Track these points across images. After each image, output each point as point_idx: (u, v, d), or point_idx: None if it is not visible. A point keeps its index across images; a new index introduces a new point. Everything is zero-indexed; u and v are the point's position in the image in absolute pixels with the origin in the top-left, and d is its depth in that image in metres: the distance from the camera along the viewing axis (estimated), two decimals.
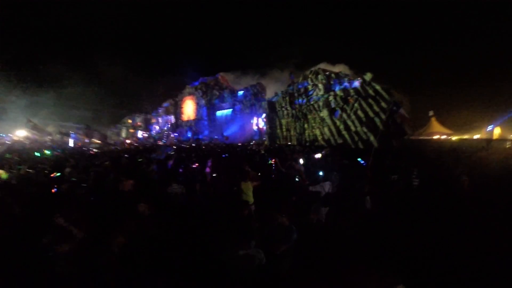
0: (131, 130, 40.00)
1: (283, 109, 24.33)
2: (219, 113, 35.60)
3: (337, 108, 17.12)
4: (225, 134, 32.38)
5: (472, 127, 27.17)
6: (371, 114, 15.08)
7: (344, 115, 16.57)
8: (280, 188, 5.72)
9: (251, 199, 5.02)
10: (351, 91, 17.16)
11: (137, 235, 2.75)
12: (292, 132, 22.99)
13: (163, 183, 5.60)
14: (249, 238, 2.59)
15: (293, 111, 22.79)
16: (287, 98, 23.77)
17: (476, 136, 25.36)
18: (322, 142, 19.03)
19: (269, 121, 25.61)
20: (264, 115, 27.59)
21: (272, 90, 34.26)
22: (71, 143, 24.17)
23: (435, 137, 23.11)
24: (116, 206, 4.02)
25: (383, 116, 14.59)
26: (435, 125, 24.18)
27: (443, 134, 23.62)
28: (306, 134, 21.09)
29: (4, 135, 31.02)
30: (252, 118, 31.29)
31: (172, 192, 5.04)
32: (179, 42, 75.55)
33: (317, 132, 19.74)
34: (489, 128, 26.41)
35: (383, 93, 14.64)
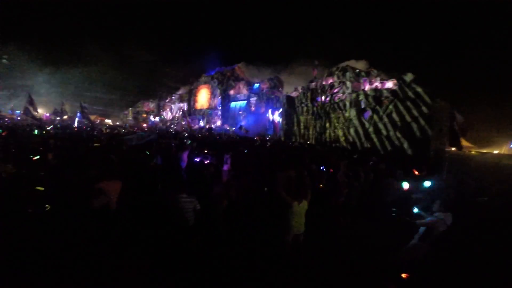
0: (144, 115, 38.89)
1: (303, 105, 22.57)
2: (233, 104, 34.05)
3: (367, 109, 15.33)
4: (239, 125, 30.93)
5: (491, 142, 25.91)
6: (408, 118, 13.27)
7: (375, 117, 14.78)
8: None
9: (302, 226, 3.47)
10: (384, 91, 15.34)
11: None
12: (311, 131, 21.29)
13: (168, 188, 4.20)
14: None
15: (314, 108, 21.03)
16: (309, 94, 21.98)
17: (495, 151, 24.12)
18: (345, 144, 17.35)
19: (286, 116, 23.90)
20: (281, 110, 25.89)
21: (290, 85, 32.52)
22: (76, 122, 23.28)
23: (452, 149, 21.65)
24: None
25: (422, 122, 12.81)
26: None
27: (465, 147, 22.06)
28: (327, 134, 19.38)
29: (18, 112, 30.45)
30: (267, 112, 29.63)
31: (180, 208, 3.47)
32: (199, 30, 73.69)
33: (340, 132, 18.01)
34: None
35: (425, 97, 12.79)
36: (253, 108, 31.30)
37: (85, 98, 35.64)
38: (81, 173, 4.40)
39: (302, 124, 22.44)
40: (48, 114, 34.07)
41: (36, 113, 19.67)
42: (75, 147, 8.30)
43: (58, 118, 27.12)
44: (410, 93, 13.36)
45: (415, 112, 13.05)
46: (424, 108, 12.77)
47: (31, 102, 17.83)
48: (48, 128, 16.54)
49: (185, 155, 7.36)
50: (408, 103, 13.32)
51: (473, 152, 18.46)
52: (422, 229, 3.36)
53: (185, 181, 4.35)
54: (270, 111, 28.94)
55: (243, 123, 30.42)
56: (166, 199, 3.62)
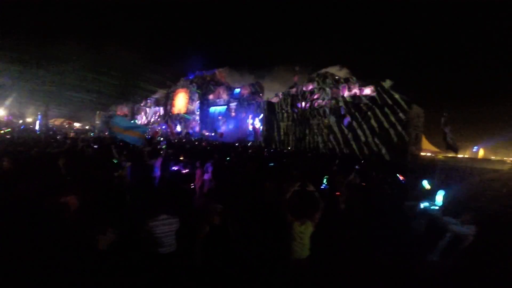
0: None
1: (283, 111, 22.29)
2: (212, 109, 33.12)
3: (347, 115, 15.26)
4: (216, 131, 30.01)
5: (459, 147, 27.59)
6: (386, 124, 13.30)
7: (355, 124, 14.72)
8: None
9: (305, 251, 2.71)
10: (363, 98, 15.41)
11: None
12: (291, 137, 20.99)
13: (141, 207, 3.39)
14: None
15: (294, 115, 20.82)
16: (289, 100, 21.76)
17: (460, 156, 25.81)
18: (324, 151, 17.15)
19: (267, 122, 23.47)
20: (261, 115, 25.44)
21: (270, 91, 32.32)
22: (37, 125, 21.28)
23: (423, 153, 22.57)
24: None
25: (399, 128, 12.87)
26: (425, 142, 23.72)
27: (431, 152, 23.14)
28: (307, 140, 19.14)
29: None
30: (247, 117, 29.07)
31: (156, 232, 2.63)
32: (180, 33, 72.19)
33: (319, 139, 17.84)
34: (475, 149, 27.73)
35: (403, 103, 12.91)
36: (233, 114, 30.58)
37: (52, 100, 32.90)
38: (23, 185, 3.48)
39: (282, 130, 22.11)
40: (9, 117, 30.95)
41: None
42: (25, 154, 6.92)
43: (21, 121, 24.65)
44: (388, 100, 13.44)
45: (392, 118, 13.12)
46: (401, 115, 12.86)
47: None
48: (1, 131, 14.68)
49: (158, 163, 6.35)
50: (386, 110, 13.38)
51: (440, 157, 19.18)
52: (445, 241, 2.92)
53: (162, 198, 3.45)
54: (250, 116, 28.42)
55: (222, 128, 29.57)
56: (140, 222, 2.74)
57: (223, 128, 29.64)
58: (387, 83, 13.75)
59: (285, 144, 21.40)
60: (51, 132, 18.74)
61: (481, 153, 26.04)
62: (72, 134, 18.17)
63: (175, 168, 6.79)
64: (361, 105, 14.63)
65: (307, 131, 19.35)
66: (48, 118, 27.00)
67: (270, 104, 23.74)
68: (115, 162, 7.20)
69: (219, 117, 31.58)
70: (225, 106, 31.70)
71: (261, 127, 24.85)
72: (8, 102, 34.43)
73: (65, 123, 37.05)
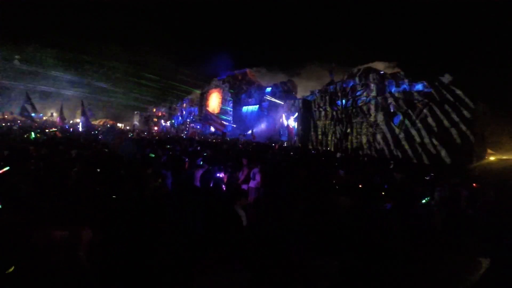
0: (155, 119, 38.32)
1: (321, 109, 21.36)
2: (244, 108, 33.08)
3: (397, 113, 14.01)
4: (249, 131, 29.88)
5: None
6: (446, 123, 11.92)
7: (407, 122, 13.45)
8: None
9: None
10: (415, 94, 14.02)
11: None
12: (330, 137, 20.02)
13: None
14: None
15: (334, 113, 19.79)
16: (327, 97, 20.77)
17: None
18: (369, 152, 16.01)
19: (302, 121, 22.69)
20: (296, 114, 24.69)
21: (303, 89, 31.40)
22: (80, 126, 22.43)
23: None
24: None
25: (463, 128, 11.43)
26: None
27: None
28: (349, 140, 18.08)
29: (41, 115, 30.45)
30: (280, 116, 28.49)
31: None
32: (211, 34, 73.64)
33: (364, 139, 16.71)
34: None
35: (467, 100, 11.44)
36: (265, 113, 30.22)
37: (96, 103, 35.39)
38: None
39: (319, 130, 21.20)
40: (57, 119, 33.98)
41: (34, 114, 18.50)
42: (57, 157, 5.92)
43: (71, 121, 26.69)
44: (448, 96, 12.02)
45: (454, 117, 11.69)
46: (465, 112, 11.40)
47: (29, 102, 16.61)
48: (47, 131, 15.48)
49: (198, 174, 5.30)
50: (446, 107, 11.97)
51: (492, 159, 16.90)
52: None
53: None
54: (284, 115, 27.80)
55: (254, 128, 29.37)
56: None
57: (255, 128, 29.45)
58: (446, 78, 12.28)
59: (323, 145, 20.51)
60: (93, 132, 19.15)
61: None
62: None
63: (220, 175, 5.55)
64: (415, 101, 13.30)
65: (348, 131, 18.28)
66: (90, 118, 28.94)
67: (305, 102, 22.91)
68: (153, 156, 6.56)
69: (252, 117, 31.46)
70: (257, 106, 31.45)
71: (296, 127, 24.14)
72: (58, 107, 37.81)
73: (107, 123, 39.61)
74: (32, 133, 11.87)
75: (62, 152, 6.36)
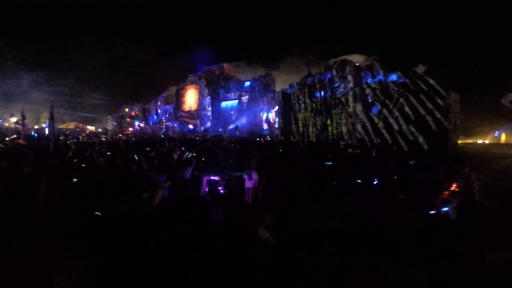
0: (128, 120, 36.15)
1: (300, 102, 21.44)
2: (223, 104, 32.32)
3: (375, 103, 14.42)
4: (230, 126, 29.35)
5: (475, 132, 26.52)
6: (422, 111, 12.47)
7: (385, 111, 13.90)
8: None
9: None
10: (391, 84, 14.50)
11: None
12: (311, 128, 20.25)
13: None
14: None
15: (313, 105, 19.99)
16: (306, 90, 20.88)
17: (479, 141, 24.80)
18: (350, 141, 16.42)
19: (283, 114, 22.70)
20: (276, 108, 24.62)
21: (281, 82, 31.33)
22: (46, 131, 20.37)
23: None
24: None
25: (438, 115, 12.04)
26: None
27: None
28: (329, 130, 18.39)
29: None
30: (260, 110, 28.28)
31: None
32: (184, 29, 70.52)
33: (344, 129, 17.08)
34: (496, 133, 26.46)
35: (440, 89, 12.02)
36: (245, 107, 29.80)
37: (64, 104, 32.44)
38: None
39: (300, 122, 21.34)
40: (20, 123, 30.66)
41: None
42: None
43: (36, 127, 24.23)
44: (422, 85, 12.55)
45: (429, 105, 12.26)
46: (439, 101, 12.00)
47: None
48: (7, 139, 13.87)
49: (189, 173, 5.16)
50: (421, 96, 12.51)
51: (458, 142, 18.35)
52: None
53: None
54: (263, 109, 27.62)
55: (235, 124, 28.88)
56: None
57: (236, 123, 28.97)
58: (420, 68, 12.80)
59: (304, 136, 20.70)
60: (61, 138, 17.33)
61: (503, 137, 25.07)
62: (84, 139, 16.82)
63: (215, 178, 4.93)
64: (391, 92, 13.75)
65: (328, 122, 18.58)
66: (58, 122, 26.31)
67: (285, 95, 22.88)
68: (135, 158, 5.64)
69: (232, 112, 30.86)
70: (237, 101, 30.88)
71: (277, 120, 24.11)
72: (19, 109, 34.13)
73: (78, 126, 36.78)
74: None
75: (30, 162, 5.48)
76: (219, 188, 4.45)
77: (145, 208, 2.56)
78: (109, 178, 4.32)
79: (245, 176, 5.51)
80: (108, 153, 7.23)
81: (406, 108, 12.97)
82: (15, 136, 15.73)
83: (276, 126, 24.51)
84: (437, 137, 11.89)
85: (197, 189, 5.08)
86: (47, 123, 22.19)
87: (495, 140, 25.06)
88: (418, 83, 12.68)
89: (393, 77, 15.23)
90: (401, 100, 13.22)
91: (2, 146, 11.06)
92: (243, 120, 29.27)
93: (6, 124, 31.07)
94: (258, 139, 18.06)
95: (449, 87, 12.19)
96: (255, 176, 5.58)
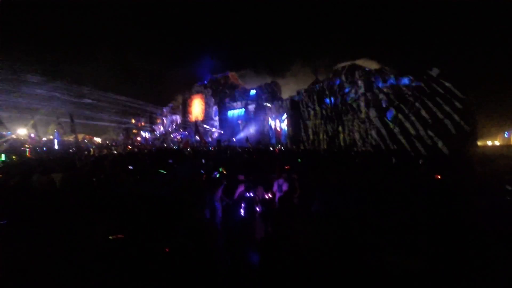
0: (134, 131, 36.27)
1: (309, 109, 21.26)
2: (230, 113, 32.30)
3: (390, 108, 14.15)
4: (237, 135, 29.22)
5: (482, 134, 26.08)
6: (440, 115, 12.16)
7: (401, 116, 13.61)
8: None
9: None
10: (404, 88, 14.27)
11: None
12: (322, 136, 19.96)
13: None
14: None
15: (323, 111, 19.78)
16: (315, 96, 20.73)
17: (489, 143, 24.29)
18: (363, 148, 16.08)
19: (292, 122, 22.49)
20: (284, 115, 24.46)
21: (287, 90, 31.28)
22: (55, 144, 19.99)
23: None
24: None
25: (457, 118, 11.72)
26: None
27: None
28: (341, 138, 18.10)
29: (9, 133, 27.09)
30: (267, 118, 28.14)
31: None
32: (189, 40, 71.57)
33: (357, 135, 16.77)
34: (506, 134, 25.93)
35: (457, 91, 11.75)
36: (252, 116, 29.69)
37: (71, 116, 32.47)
38: None
39: (310, 129, 21.08)
40: (33, 135, 30.83)
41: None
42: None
43: (44, 139, 24.12)
44: (438, 89, 12.29)
45: (447, 108, 11.96)
46: (457, 103, 11.70)
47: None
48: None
49: (219, 194, 4.43)
50: (438, 99, 12.23)
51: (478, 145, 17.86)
52: None
53: None
54: (270, 117, 27.48)
55: (243, 132, 28.72)
56: None
57: (244, 132, 28.81)
58: (435, 71, 12.57)
59: (315, 144, 20.40)
60: (71, 150, 17.01)
61: None
62: (95, 151, 16.49)
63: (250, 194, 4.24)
64: (406, 96, 13.50)
65: (340, 128, 18.30)
66: (66, 133, 26.21)
67: (293, 102, 22.74)
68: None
69: (239, 121, 30.76)
70: (243, 109, 30.84)
71: (286, 128, 23.89)
72: (31, 122, 34.35)
73: (85, 138, 36.90)
74: (2, 155, 10.28)
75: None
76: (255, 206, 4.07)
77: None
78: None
79: (275, 189, 5.23)
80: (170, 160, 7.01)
81: (423, 112, 12.67)
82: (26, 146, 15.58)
83: (283, 133, 24.30)
84: (457, 140, 11.54)
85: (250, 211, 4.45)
86: (56, 133, 22.25)
87: (506, 141, 24.62)
88: (433, 86, 12.42)
89: (405, 81, 15.01)
90: (416, 104, 12.93)
91: (15, 158, 10.91)
92: (251, 130, 29.05)
93: (14, 136, 31.23)
94: (271, 148, 17.80)
95: (465, 89, 11.92)
96: (285, 187, 5.32)
